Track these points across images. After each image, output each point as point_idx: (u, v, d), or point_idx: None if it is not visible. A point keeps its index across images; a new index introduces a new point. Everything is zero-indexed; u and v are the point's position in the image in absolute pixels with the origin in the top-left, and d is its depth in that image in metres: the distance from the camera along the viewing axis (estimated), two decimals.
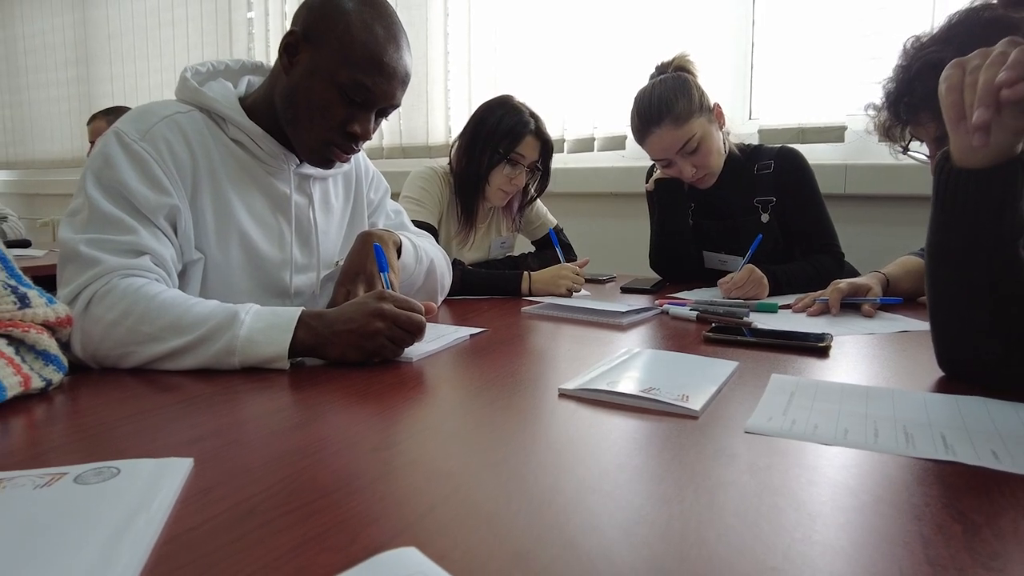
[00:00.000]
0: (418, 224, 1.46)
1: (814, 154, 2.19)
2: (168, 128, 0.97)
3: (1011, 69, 0.67)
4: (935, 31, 1.11)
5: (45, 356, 0.78)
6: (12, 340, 0.76)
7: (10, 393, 0.72)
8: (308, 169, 1.09)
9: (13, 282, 0.79)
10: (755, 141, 2.22)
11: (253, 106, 1.05)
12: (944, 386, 0.81)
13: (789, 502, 0.50)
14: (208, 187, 0.99)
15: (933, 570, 0.40)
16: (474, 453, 0.61)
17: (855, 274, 1.52)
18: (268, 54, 3.43)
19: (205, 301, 0.88)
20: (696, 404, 0.69)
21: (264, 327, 0.84)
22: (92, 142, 2.88)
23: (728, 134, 1.60)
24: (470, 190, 1.66)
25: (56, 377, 0.79)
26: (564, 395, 0.75)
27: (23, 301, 0.78)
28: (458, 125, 2.85)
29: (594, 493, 0.51)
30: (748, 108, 2.40)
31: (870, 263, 1.53)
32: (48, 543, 0.42)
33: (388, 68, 0.98)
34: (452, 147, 1.73)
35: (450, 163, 1.73)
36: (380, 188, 1.30)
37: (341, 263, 1.15)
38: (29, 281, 0.82)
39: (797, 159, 1.56)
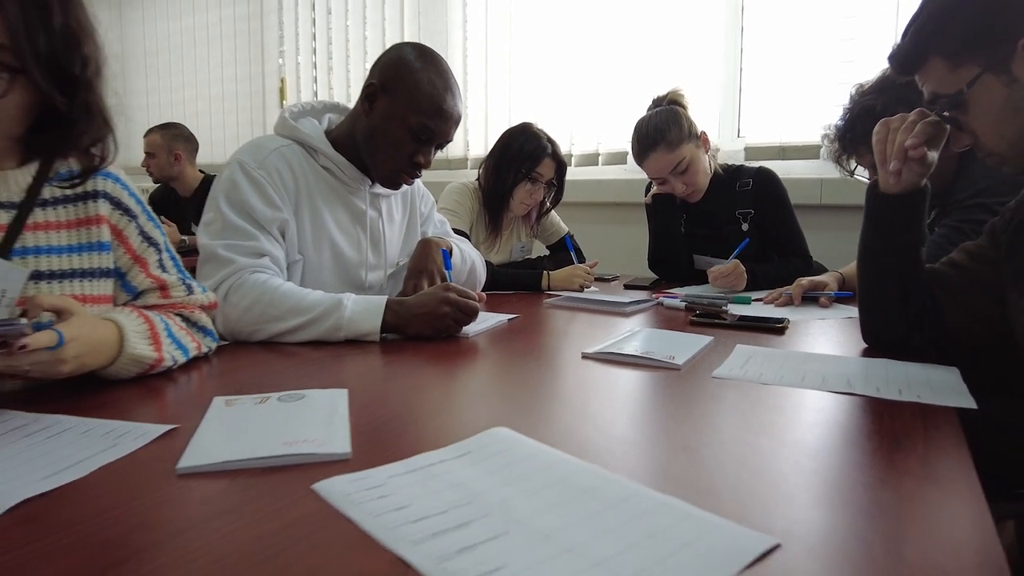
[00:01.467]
0: (454, 231, 1.75)
1: (793, 169, 2.49)
2: (277, 159, 1.26)
3: (915, 137, 0.98)
4: (873, 81, 1.40)
5: (204, 330, 1.07)
6: (184, 318, 1.05)
7: (191, 355, 1.01)
8: (378, 189, 1.38)
9: (181, 276, 1.08)
10: (742, 157, 2.52)
11: (337, 140, 1.34)
12: (864, 353, 1.10)
13: (736, 414, 0.78)
14: (306, 204, 1.29)
15: (815, 451, 0.69)
16: (525, 389, 0.90)
17: (822, 272, 1.81)
18: (298, 72, 3.72)
19: (312, 291, 1.17)
20: (680, 361, 0.98)
21: (362, 310, 1.14)
22: (148, 153, 3.16)
23: (714, 156, 1.89)
24: (497, 203, 1.96)
25: (213, 346, 1.08)
26: (586, 357, 1.04)
27: (189, 290, 1.07)
28: (475, 141, 3.15)
29: (609, 406, 0.80)
30: (737, 128, 2.69)
31: (841, 264, 1.80)
32: (295, 428, 0.71)
33: (446, 113, 1.27)
34: (480, 167, 2.03)
35: (478, 180, 2.03)
36: (428, 203, 1.59)
37: (401, 263, 1.44)
38: (189, 275, 1.10)
39: (772, 177, 1.86)
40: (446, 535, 0.49)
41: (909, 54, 0.93)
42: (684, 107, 1.81)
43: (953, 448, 0.68)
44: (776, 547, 0.47)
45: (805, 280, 1.55)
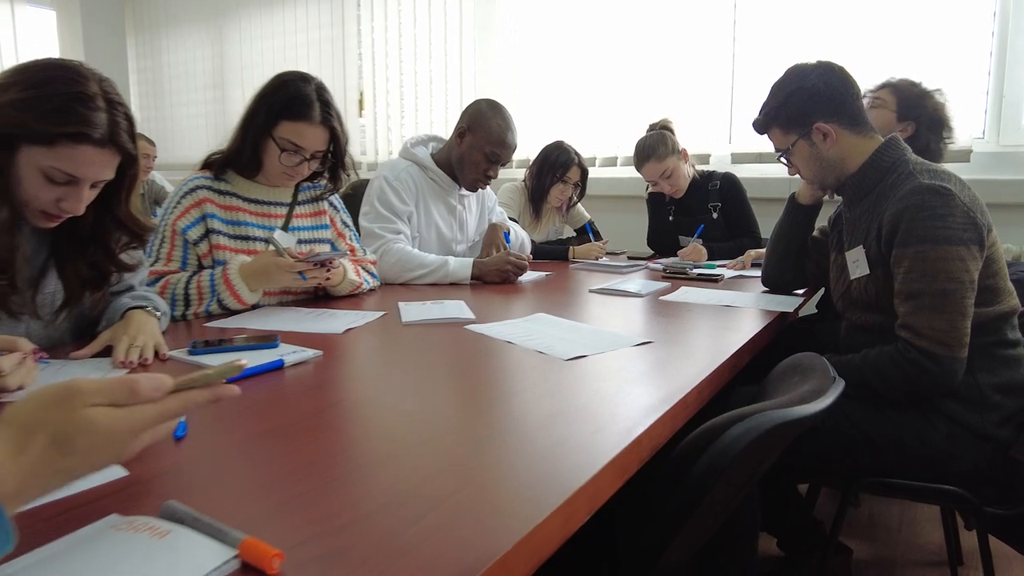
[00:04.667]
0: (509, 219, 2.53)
1: (768, 171, 3.19)
2: (405, 175, 2.06)
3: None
4: None
5: (373, 275, 1.87)
6: (362, 268, 1.85)
7: (370, 286, 1.81)
8: (464, 192, 2.17)
9: (360, 245, 1.88)
10: (730, 160, 3.23)
11: (439, 160, 2.13)
12: (761, 291, 1.85)
13: (668, 312, 1.55)
14: (422, 203, 2.08)
15: (689, 320, 1.46)
16: (556, 304, 1.67)
17: None
18: (374, 84, 4.50)
19: (429, 254, 1.97)
20: (643, 293, 1.75)
21: (460, 266, 1.93)
22: None
23: (692, 165, 2.62)
24: (538, 198, 2.74)
25: (378, 284, 1.88)
26: (591, 291, 1.82)
27: (364, 252, 1.87)
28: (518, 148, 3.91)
29: (597, 309, 1.58)
30: (729, 137, 3.39)
31: None
32: (446, 311, 1.50)
33: (508, 145, 2.04)
34: (526, 172, 2.81)
35: (524, 181, 2.81)
36: (492, 199, 2.37)
37: (476, 240, 2.24)
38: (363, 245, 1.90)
39: (734, 180, 2.59)
40: (523, 337, 1.27)
41: (761, 124, 1.62)
42: (671, 130, 2.55)
43: (752, 321, 1.43)
44: (650, 342, 1.24)
45: (754, 252, 2.29)
